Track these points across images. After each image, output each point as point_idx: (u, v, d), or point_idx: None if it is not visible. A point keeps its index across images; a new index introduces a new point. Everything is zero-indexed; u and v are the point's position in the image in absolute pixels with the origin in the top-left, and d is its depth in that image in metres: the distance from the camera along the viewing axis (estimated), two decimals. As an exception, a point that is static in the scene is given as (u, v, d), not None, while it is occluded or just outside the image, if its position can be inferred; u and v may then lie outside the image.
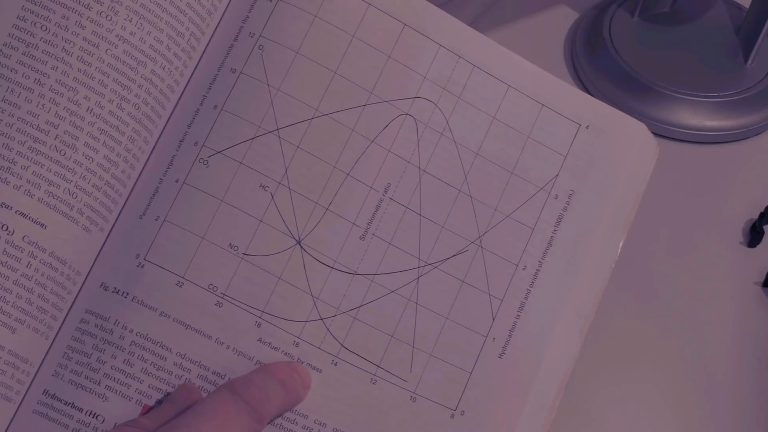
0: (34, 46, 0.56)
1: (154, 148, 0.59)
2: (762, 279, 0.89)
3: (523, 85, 0.64)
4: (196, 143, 0.59)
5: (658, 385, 0.82)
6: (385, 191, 0.61)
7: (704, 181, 0.98)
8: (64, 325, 0.56)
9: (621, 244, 0.64)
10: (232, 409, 0.53)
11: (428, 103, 0.62)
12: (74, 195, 0.56)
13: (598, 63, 1.05)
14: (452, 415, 0.60)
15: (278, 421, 0.57)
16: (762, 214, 0.91)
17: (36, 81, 0.56)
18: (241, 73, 0.60)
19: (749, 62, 1.05)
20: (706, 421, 0.80)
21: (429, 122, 0.62)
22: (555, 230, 0.63)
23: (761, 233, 0.91)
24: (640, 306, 0.87)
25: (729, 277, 0.90)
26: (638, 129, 0.65)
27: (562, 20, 1.13)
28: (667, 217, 0.94)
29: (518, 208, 0.63)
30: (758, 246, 0.92)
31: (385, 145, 0.61)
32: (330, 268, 0.59)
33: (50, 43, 0.56)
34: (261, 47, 0.60)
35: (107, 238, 0.58)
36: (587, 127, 0.64)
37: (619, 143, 0.65)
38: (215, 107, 0.59)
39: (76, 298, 0.57)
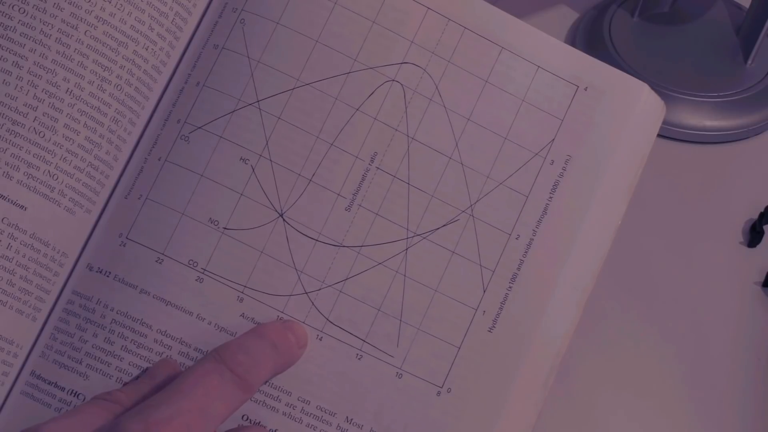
0: (11, 29, 0.55)
1: (145, 129, 0.58)
2: (762, 279, 0.86)
3: (517, 46, 0.59)
4: (178, 121, 0.58)
5: (658, 385, 0.79)
6: (372, 160, 0.58)
7: (704, 181, 0.95)
8: (55, 307, 0.56)
9: (623, 210, 0.59)
10: (217, 381, 0.50)
11: (416, 69, 0.58)
12: (55, 177, 0.55)
13: (598, 63, 1.03)
14: (438, 393, 0.57)
15: (260, 398, 0.55)
16: (762, 214, 0.89)
17: (14, 63, 0.55)
18: (223, 48, 0.58)
19: (749, 62, 1.02)
20: (706, 420, 0.77)
21: (417, 88, 0.58)
22: (550, 198, 0.59)
23: (761, 233, 0.88)
24: (640, 305, 0.84)
25: (729, 277, 0.87)
26: (641, 89, 0.60)
27: (562, 20, 1.11)
28: (667, 216, 0.91)
29: (512, 174, 0.59)
30: (758, 246, 0.89)
31: (370, 113, 0.58)
32: (314, 241, 0.57)
33: (28, 26, 0.55)
34: (242, 21, 0.58)
35: (98, 220, 0.57)
36: (586, 89, 0.60)
37: (621, 105, 0.60)
38: (198, 84, 0.58)
39: (67, 280, 0.56)
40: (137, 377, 0.54)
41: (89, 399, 0.53)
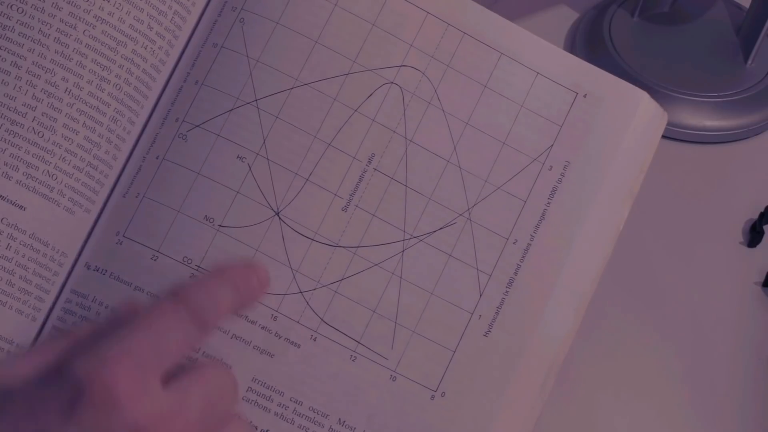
0: (10, 29, 0.55)
1: (144, 128, 0.58)
2: (762, 279, 0.85)
3: (517, 52, 0.59)
4: (177, 119, 0.57)
5: (658, 385, 0.79)
6: (369, 161, 0.57)
7: (704, 181, 0.94)
8: (54, 307, 0.56)
9: (625, 216, 0.59)
10: (172, 320, 0.49)
11: (415, 72, 0.58)
12: (54, 176, 0.55)
13: (598, 63, 0.99)
14: (432, 397, 0.57)
15: (252, 397, 0.55)
16: (762, 214, 0.88)
17: (12, 63, 0.55)
18: (222, 47, 0.58)
19: (749, 62, 1.01)
20: (706, 421, 0.77)
21: (416, 91, 0.58)
22: (548, 203, 0.58)
23: (761, 233, 0.88)
24: (640, 306, 0.84)
25: (729, 277, 0.86)
26: (640, 97, 0.60)
27: (562, 20, 1.10)
28: (667, 217, 0.91)
29: (510, 179, 0.58)
30: (758, 246, 0.88)
31: (369, 115, 0.58)
32: (310, 240, 0.56)
33: (26, 25, 0.55)
34: (242, 20, 0.58)
35: (97, 219, 0.57)
36: (585, 96, 0.59)
37: (620, 112, 0.60)
38: (196, 82, 0.58)
39: (66, 279, 0.56)
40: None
41: (47, 335, 0.52)
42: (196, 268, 0.55)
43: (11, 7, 0.55)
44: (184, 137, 0.57)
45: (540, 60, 0.59)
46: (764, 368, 0.80)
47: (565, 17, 1.10)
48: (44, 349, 0.49)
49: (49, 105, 0.55)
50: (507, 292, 0.58)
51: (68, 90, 0.55)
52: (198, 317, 0.49)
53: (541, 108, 0.59)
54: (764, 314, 0.84)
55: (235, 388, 0.52)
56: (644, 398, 0.78)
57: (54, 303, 0.56)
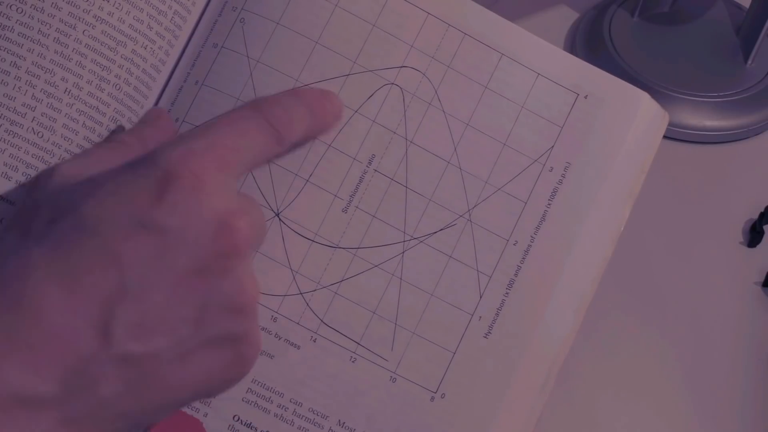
0: (9, 29, 0.55)
1: None
2: (762, 279, 0.85)
3: (517, 53, 0.59)
4: (177, 119, 0.57)
5: (658, 385, 0.79)
6: (369, 162, 0.57)
7: (704, 181, 0.94)
8: None
9: (626, 217, 0.59)
10: (253, 126, 0.49)
11: (415, 73, 0.58)
12: None
13: (598, 63, 1.00)
14: (432, 398, 0.56)
15: (252, 398, 0.55)
16: (762, 214, 0.88)
17: (12, 63, 0.54)
18: (222, 47, 0.58)
19: (749, 62, 1.01)
20: (706, 421, 0.77)
21: (416, 92, 0.58)
22: (549, 204, 0.58)
23: (761, 233, 0.87)
24: (640, 306, 0.83)
25: (729, 277, 0.86)
26: (641, 98, 0.60)
27: (562, 20, 1.09)
28: (667, 217, 0.90)
29: (510, 180, 0.58)
30: (758, 246, 0.88)
31: (369, 116, 0.57)
32: (310, 241, 0.56)
33: (26, 26, 0.55)
34: (242, 20, 0.58)
35: None
36: (586, 97, 0.59)
37: (621, 113, 0.59)
38: (197, 83, 0.58)
39: None
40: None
41: (97, 144, 0.54)
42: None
43: (11, 7, 0.55)
44: (183, 138, 0.57)
45: (541, 61, 0.59)
46: (764, 368, 0.80)
47: (565, 17, 1.10)
48: (99, 152, 0.51)
49: (49, 105, 0.55)
50: (507, 293, 0.58)
51: (68, 90, 0.55)
52: (275, 128, 0.50)
53: (542, 109, 0.59)
54: (764, 314, 0.83)
55: (265, 231, 0.52)
56: (644, 398, 0.78)
57: None
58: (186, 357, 0.45)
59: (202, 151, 0.46)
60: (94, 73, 0.56)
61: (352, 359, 0.56)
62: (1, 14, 0.55)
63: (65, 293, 0.43)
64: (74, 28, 0.55)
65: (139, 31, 0.57)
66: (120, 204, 0.45)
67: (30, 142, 0.54)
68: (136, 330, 0.43)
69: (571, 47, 1.07)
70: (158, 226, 0.44)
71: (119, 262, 0.43)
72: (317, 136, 0.54)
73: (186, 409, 0.54)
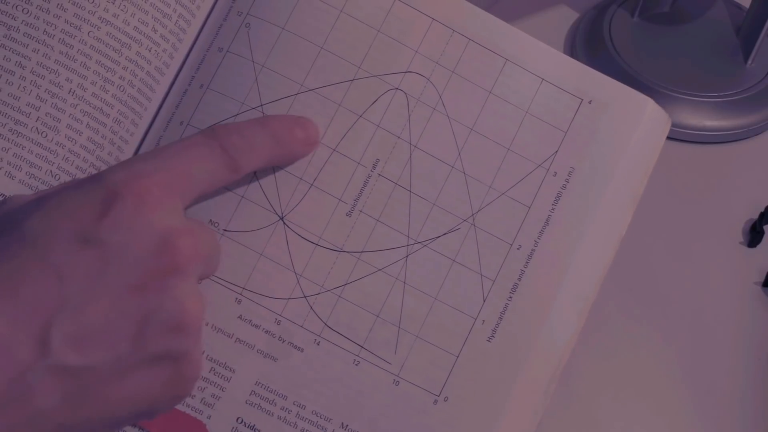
0: (15, 29, 0.55)
1: (148, 131, 0.58)
2: (762, 279, 0.86)
3: (522, 58, 0.59)
4: (181, 123, 0.57)
5: (658, 385, 0.79)
6: (374, 167, 0.57)
7: (704, 181, 0.95)
8: None
9: (628, 221, 0.59)
10: (205, 153, 0.50)
11: (420, 78, 0.58)
12: (57, 177, 0.55)
13: (598, 63, 1.02)
14: (435, 401, 0.56)
15: (255, 401, 0.55)
16: (762, 214, 0.88)
17: (17, 63, 0.54)
18: (227, 51, 0.58)
19: (749, 62, 1.01)
20: (706, 421, 0.77)
21: (421, 97, 0.58)
22: (553, 209, 0.58)
23: (761, 233, 0.88)
24: (640, 306, 0.84)
25: (729, 277, 0.86)
26: (645, 103, 0.60)
27: (562, 20, 1.10)
28: (667, 217, 0.91)
29: (514, 185, 0.58)
30: (758, 246, 0.89)
31: (373, 120, 0.57)
32: (314, 245, 0.56)
33: (31, 26, 0.55)
34: (248, 25, 0.58)
35: None
36: (590, 102, 0.59)
37: (625, 118, 0.60)
38: (201, 86, 0.57)
39: None
40: None
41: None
42: (199, 271, 0.55)
43: (16, 7, 0.55)
44: (188, 140, 0.56)
45: (545, 66, 0.59)
46: (764, 368, 0.80)
47: (565, 17, 1.10)
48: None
49: (53, 105, 0.55)
50: (511, 297, 0.57)
51: (72, 91, 0.55)
52: (230, 156, 0.51)
53: (546, 114, 0.59)
54: (764, 314, 0.84)
55: (219, 255, 0.53)
56: (644, 398, 0.78)
57: None
58: (125, 373, 0.45)
59: (149, 173, 0.47)
60: (99, 74, 0.56)
61: (356, 362, 0.56)
62: (7, 14, 0.55)
63: (2, 302, 0.43)
64: (79, 29, 0.55)
65: (144, 33, 0.57)
66: (63, 218, 0.45)
67: (34, 141, 0.54)
68: (75, 342, 0.44)
69: (571, 47, 1.07)
70: (100, 241, 0.45)
71: (59, 274, 0.44)
72: (285, 163, 0.55)
73: (189, 411, 0.54)
